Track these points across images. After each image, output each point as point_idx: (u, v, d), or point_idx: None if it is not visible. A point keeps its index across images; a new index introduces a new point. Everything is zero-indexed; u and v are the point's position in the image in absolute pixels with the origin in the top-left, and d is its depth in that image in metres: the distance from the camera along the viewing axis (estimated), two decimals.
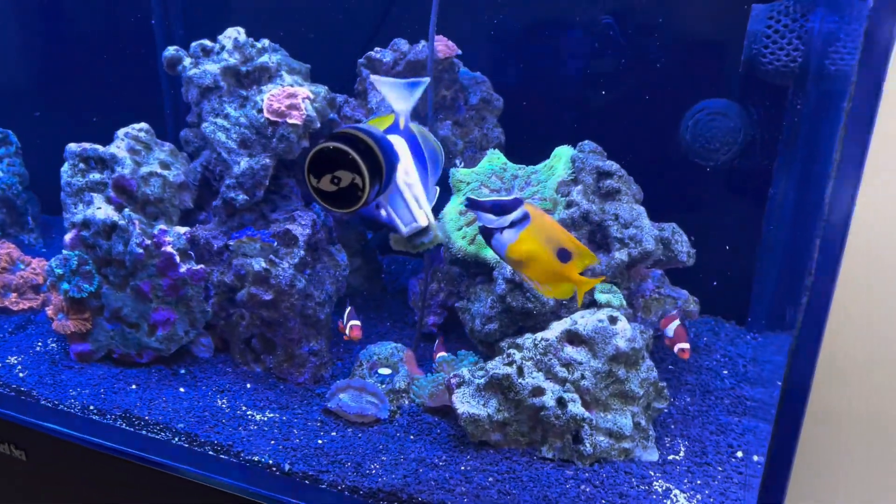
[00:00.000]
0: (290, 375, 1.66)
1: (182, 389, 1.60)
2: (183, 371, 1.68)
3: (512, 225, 1.09)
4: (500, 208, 1.09)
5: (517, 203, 1.10)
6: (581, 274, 1.14)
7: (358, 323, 1.62)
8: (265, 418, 1.49)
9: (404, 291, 2.10)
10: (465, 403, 1.40)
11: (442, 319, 1.88)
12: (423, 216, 1.13)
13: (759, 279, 2.05)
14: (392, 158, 1.05)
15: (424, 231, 1.14)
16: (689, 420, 1.53)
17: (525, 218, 1.09)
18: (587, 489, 1.27)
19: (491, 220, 1.10)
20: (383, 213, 1.13)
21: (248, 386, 1.63)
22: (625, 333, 1.43)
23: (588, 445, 1.36)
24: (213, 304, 1.69)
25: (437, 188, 1.20)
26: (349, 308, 1.70)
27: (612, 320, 1.43)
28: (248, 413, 1.51)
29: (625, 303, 1.49)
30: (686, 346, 1.63)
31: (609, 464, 1.36)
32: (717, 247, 1.70)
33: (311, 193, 1.00)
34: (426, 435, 1.46)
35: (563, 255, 1.11)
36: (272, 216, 1.70)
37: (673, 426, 1.50)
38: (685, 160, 1.95)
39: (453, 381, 1.43)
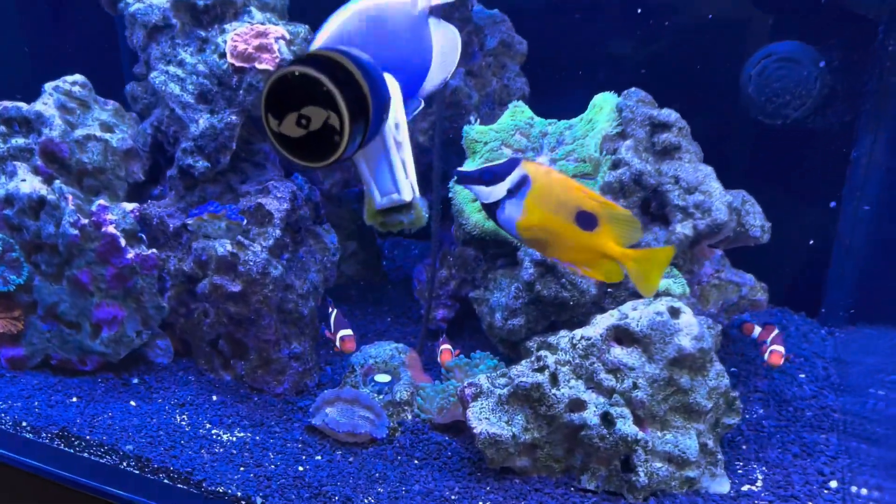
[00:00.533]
0: (266, 385, 1.50)
1: (133, 403, 1.43)
2: (135, 380, 1.51)
3: (511, 194, 0.90)
4: (491, 175, 0.89)
5: (512, 165, 0.90)
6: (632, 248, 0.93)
7: (349, 333, 1.42)
8: (234, 438, 1.34)
9: (408, 281, 1.98)
10: (482, 420, 1.24)
11: (453, 313, 1.73)
12: (409, 188, 0.87)
13: (838, 261, 1.79)
14: (382, 93, 0.80)
15: (405, 208, 0.88)
16: (764, 439, 1.37)
17: (524, 182, 0.89)
18: None
19: (485, 193, 0.92)
20: (363, 166, 0.86)
21: (215, 398, 1.47)
22: (690, 330, 1.24)
23: (642, 474, 1.20)
24: (170, 297, 1.51)
25: (421, 102, 0.88)
26: (334, 312, 1.48)
27: (674, 313, 1.25)
28: (214, 432, 1.36)
29: (688, 290, 1.31)
30: (781, 349, 1.39)
31: (668, 497, 1.20)
32: (784, 222, 1.52)
33: (271, 140, 0.71)
34: (434, 459, 1.32)
35: (586, 220, 0.91)
36: (241, 188, 1.53)
37: (745, 446, 1.34)
38: (747, 118, 1.70)
39: (468, 391, 1.28)
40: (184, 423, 1.38)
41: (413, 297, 1.90)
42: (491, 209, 0.94)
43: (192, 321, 1.52)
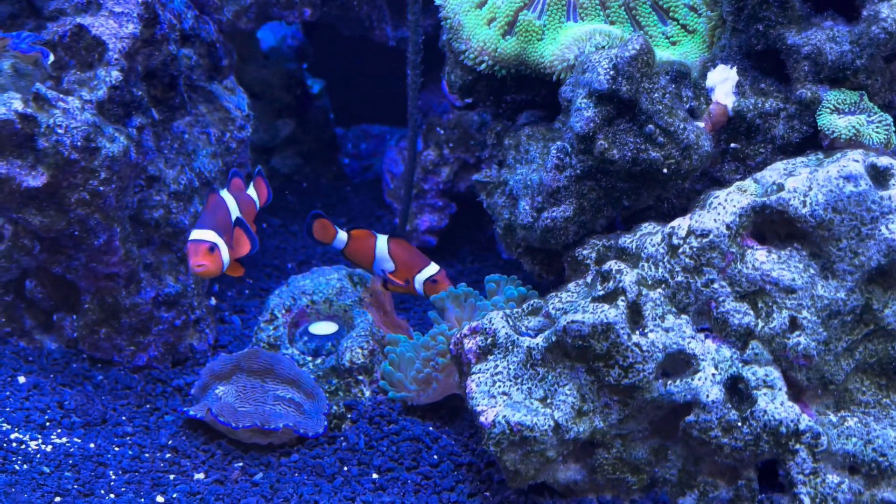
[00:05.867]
0: (117, 352, 1.28)
1: None
2: None
3: None
4: None
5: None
6: None
7: (202, 238, 1.05)
8: (49, 448, 1.10)
9: (379, 182, 1.86)
10: (497, 398, 1.01)
11: (447, 219, 1.57)
12: None
13: None
14: None
15: None
16: None
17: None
18: None
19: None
20: None
21: (22, 380, 1.23)
22: None
23: (805, 499, 0.96)
24: None
25: None
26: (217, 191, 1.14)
27: (879, 176, 0.95)
28: (14, 437, 1.11)
29: (894, 137, 0.97)
30: None
31: None
32: None
33: None
34: (408, 469, 1.10)
35: None
36: (50, 4, 1.25)
37: None
38: None
39: (470, 342, 1.04)
40: None
41: (384, 200, 1.71)
42: None
43: None
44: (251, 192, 1.19)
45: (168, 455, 1.09)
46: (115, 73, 1.18)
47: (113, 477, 1.04)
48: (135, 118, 1.23)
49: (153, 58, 1.27)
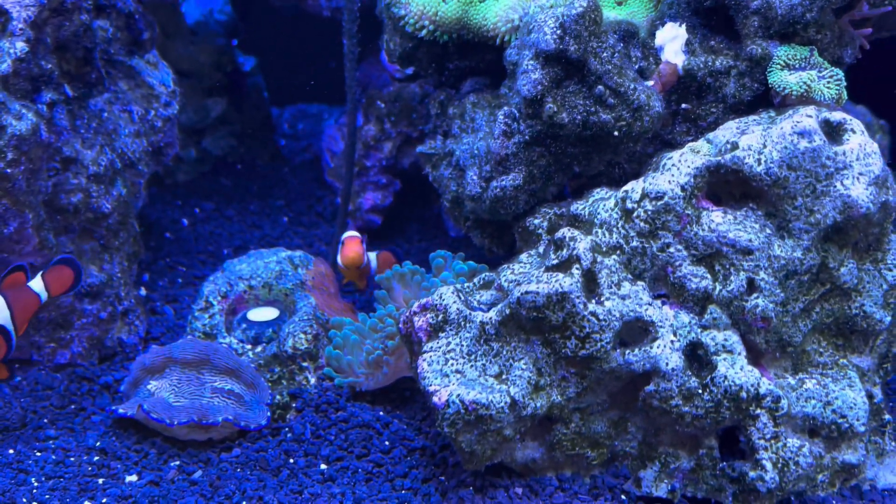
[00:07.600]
0: (36, 350, 1.21)
1: None
2: None
3: None
4: None
5: None
6: None
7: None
8: None
9: (317, 162, 1.82)
10: (449, 377, 0.96)
11: (391, 197, 1.53)
12: None
13: None
14: None
15: None
16: None
17: None
18: None
19: None
20: None
21: None
22: (865, 165, 0.92)
23: (767, 464, 0.94)
24: None
25: None
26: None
27: (833, 132, 0.94)
28: None
29: (845, 93, 0.97)
30: None
31: None
32: None
33: None
34: (358, 458, 1.05)
35: None
36: None
37: None
38: None
39: (420, 319, 1.00)
40: None
41: (325, 180, 1.66)
42: None
43: None
44: (36, 283, 1.05)
45: (96, 458, 1.02)
46: (21, 45, 1.09)
47: (35, 484, 0.97)
48: (45, 94, 1.14)
49: (63, 28, 1.19)
